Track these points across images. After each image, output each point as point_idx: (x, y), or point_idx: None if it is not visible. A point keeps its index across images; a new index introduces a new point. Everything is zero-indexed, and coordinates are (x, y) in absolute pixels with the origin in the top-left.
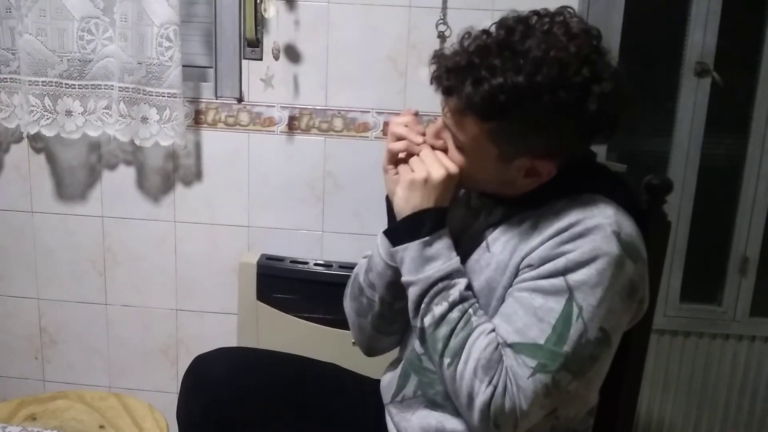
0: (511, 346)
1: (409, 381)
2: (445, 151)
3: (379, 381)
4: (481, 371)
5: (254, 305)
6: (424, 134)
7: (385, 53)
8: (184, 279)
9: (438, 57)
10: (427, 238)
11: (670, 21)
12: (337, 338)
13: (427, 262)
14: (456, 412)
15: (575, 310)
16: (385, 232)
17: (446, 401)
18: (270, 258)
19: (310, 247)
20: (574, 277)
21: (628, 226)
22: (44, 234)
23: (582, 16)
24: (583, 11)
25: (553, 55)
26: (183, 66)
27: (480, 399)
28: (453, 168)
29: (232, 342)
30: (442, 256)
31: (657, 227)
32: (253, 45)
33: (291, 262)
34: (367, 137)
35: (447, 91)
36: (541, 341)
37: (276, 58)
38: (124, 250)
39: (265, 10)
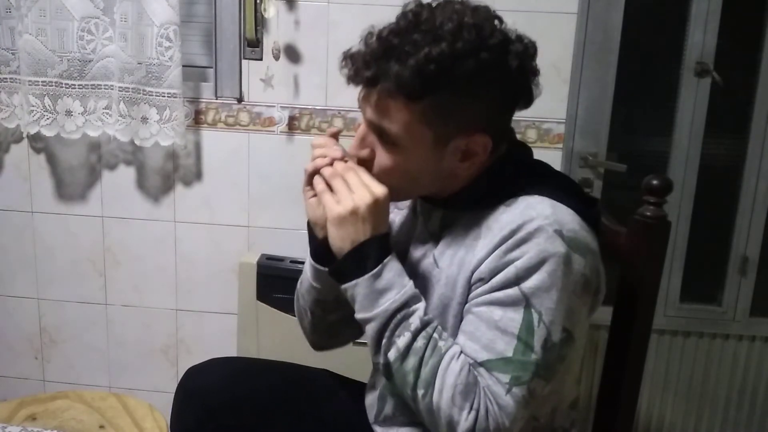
0: (482, 364)
1: (387, 403)
2: (372, 159)
3: None
4: (460, 398)
5: (254, 305)
6: (343, 158)
7: None
8: (184, 279)
9: (349, 57)
10: (375, 270)
11: (670, 21)
12: None
13: (380, 295)
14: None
15: (535, 317)
16: (330, 273)
17: None
18: (270, 258)
19: None
20: (527, 285)
21: (570, 221)
22: (44, 234)
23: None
24: (583, 11)
25: (467, 20)
26: (183, 66)
27: (462, 427)
28: (380, 190)
29: (231, 342)
30: (395, 285)
31: (657, 227)
32: (253, 45)
33: (291, 262)
34: None
35: (371, 81)
36: (510, 353)
37: (276, 58)
38: (124, 250)
39: (265, 10)
